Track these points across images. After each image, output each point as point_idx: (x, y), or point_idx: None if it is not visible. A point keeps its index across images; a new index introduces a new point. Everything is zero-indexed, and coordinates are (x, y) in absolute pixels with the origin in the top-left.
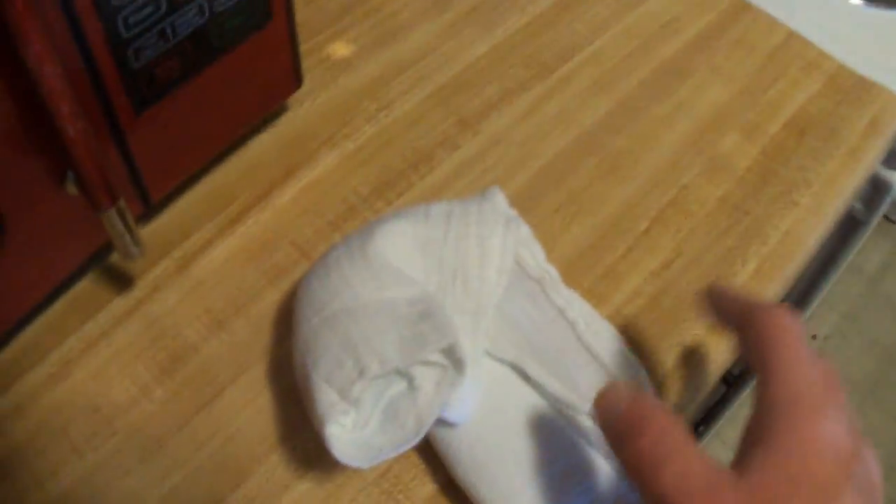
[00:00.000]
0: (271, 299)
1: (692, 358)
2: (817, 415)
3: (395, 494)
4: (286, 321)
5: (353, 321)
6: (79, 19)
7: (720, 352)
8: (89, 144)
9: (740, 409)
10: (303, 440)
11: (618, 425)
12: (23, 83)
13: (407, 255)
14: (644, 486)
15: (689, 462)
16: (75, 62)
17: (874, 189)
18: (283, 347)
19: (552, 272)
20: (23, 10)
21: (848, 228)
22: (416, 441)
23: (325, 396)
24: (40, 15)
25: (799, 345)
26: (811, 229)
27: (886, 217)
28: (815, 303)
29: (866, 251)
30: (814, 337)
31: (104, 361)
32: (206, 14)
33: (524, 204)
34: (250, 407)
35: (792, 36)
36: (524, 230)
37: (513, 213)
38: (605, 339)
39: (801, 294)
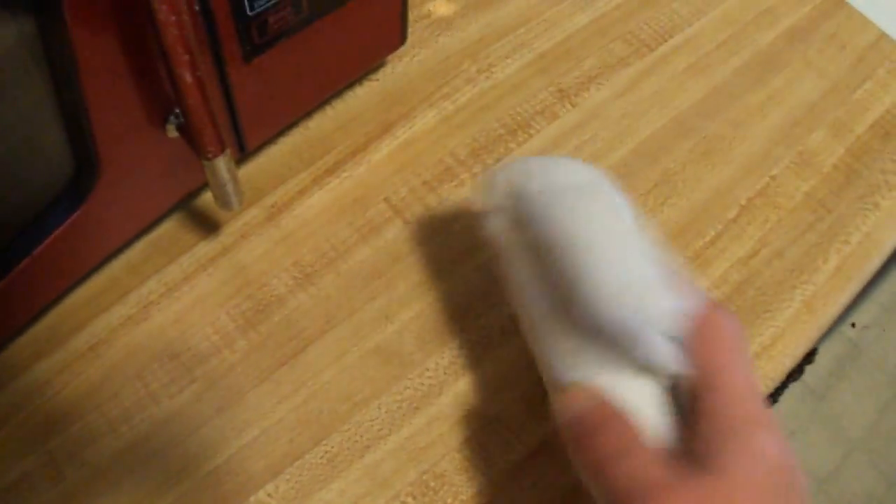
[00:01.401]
0: (362, 256)
1: (771, 349)
2: (759, 426)
3: (478, 462)
4: (376, 279)
5: None
6: None
7: (799, 345)
8: (204, 93)
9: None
10: (387, 401)
11: (579, 424)
12: (140, 25)
13: None
14: (598, 481)
15: (644, 460)
16: (192, 6)
17: None
18: (372, 305)
19: None
20: None
21: None
22: None
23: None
24: None
25: (738, 352)
26: (890, 233)
27: None
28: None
29: None
30: (853, 325)
31: (185, 307)
32: None
33: (618, 181)
34: (335, 365)
35: (883, 37)
36: None
37: None
38: None
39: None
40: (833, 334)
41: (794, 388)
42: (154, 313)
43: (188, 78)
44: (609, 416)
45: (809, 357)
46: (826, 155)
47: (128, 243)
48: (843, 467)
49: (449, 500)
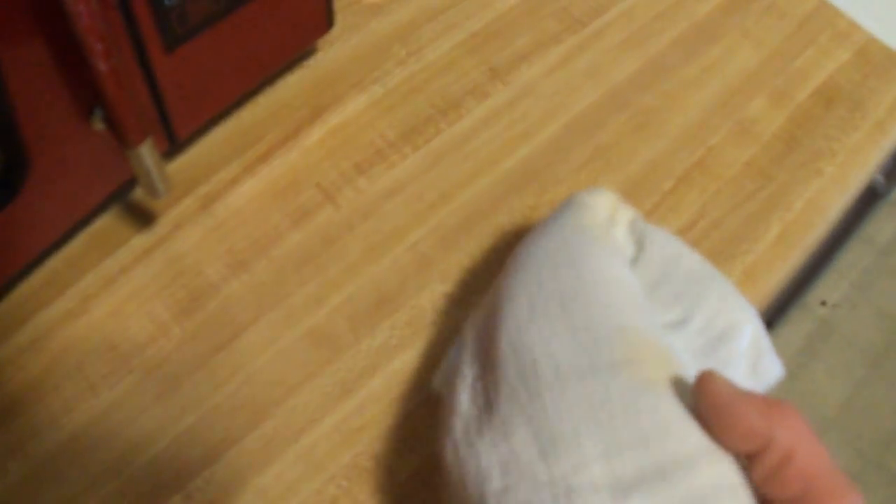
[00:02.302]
0: (294, 241)
1: None
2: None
3: (412, 442)
4: (308, 263)
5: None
6: None
7: None
8: (120, 82)
9: None
10: (321, 384)
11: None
12: (55, 18)
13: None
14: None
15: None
16: None
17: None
18: (304, 290)
19: None
20: None
21: (866, 200)
22: None
23: None
24: None
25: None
26: (834, 199)
27: None
28: (826, 270)
29: (879, 222)
30: (823, 303)
31: (123, 299)
32: None
33: (551, 158)
34: (269, 349)
35: (823, 4)
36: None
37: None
38: None
39: (814, 261)
40: (803, 313)
41: None
42: (93, 306)
43: (103, 67)
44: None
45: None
46: (766, 123)
47: (67, 237)
48: None
49: (384, 481)
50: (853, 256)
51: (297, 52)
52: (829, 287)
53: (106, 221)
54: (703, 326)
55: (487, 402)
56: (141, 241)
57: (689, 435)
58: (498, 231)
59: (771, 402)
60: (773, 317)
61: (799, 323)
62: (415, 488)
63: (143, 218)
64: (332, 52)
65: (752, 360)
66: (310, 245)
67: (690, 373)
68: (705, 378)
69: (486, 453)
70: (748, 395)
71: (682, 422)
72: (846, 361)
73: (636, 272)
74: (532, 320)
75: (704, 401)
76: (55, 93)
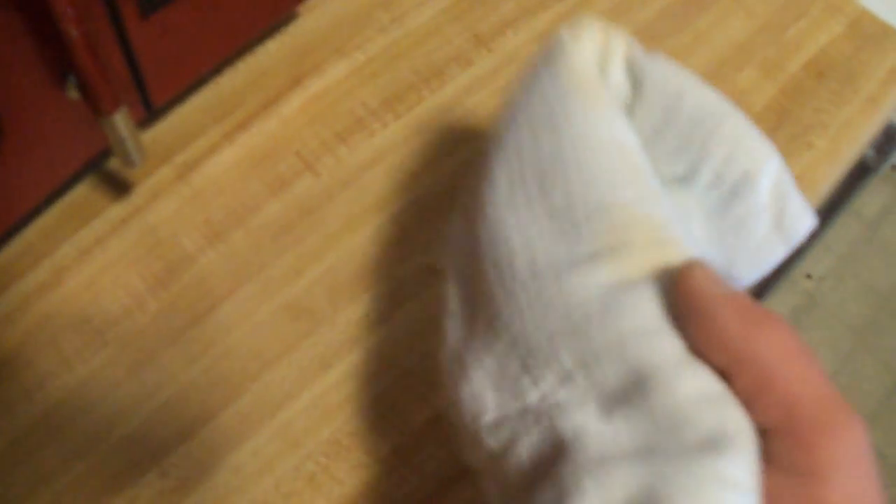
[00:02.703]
0: (272, 211)
1: None
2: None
3: (392, 418)
4: (286, 234)
5: None
6: None
7: None
8: (92, 48)
9: None
10: (298, 358)
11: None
12: None
13: None
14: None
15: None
16: None
17: (887, 138)
18: (282, 261)
19: None
20: None
21: (857, 174)
22: None
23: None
24: None
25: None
26: (826, 173)
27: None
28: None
29: (867, 196)
30: (809, 276)
31: (98, 270)
32: None
33: None
34: (246, 323)
35: None
36: None
37: None
38: None
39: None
40: (788, 286)
41: None
42: (67, 278)
43: (74, 33)
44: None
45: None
46: (757, 94)
47: (41, 208)
48: None
49: (363, 458)
50: (840, 229)
51: (277, 17)
52: (815, 260)
53: (81, 191)
54: (714, 178)
55: (473, 311)
56: (116, 211)
57: (667, 342)
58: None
59: (758, 310)
60: (758, 290)
61: (784, 296)
62: (394, 464)
63: (118, 187)
64: (312, 18)
65: (775, 212)
66: (288, 215)
67: (699, 244)
68: (684, 273)
69: (476, 376)
70: (731, 298)
71: (663, 325)
72: (831, 335)
73: (635, 119)
74: (510, 204)
75: (681, 301)
76: (26, 59)
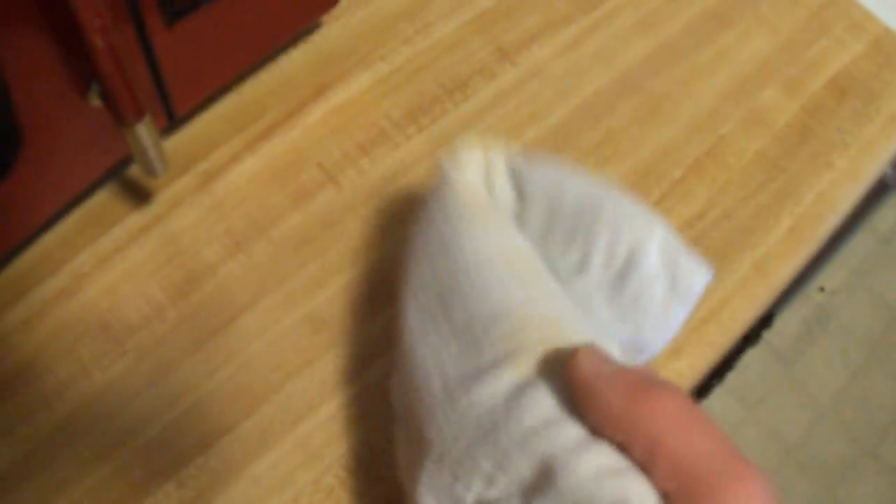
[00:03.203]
0: (294, 222)
1: (719, 314)
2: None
3: None
4: (308, 245)
5: None
6: None
7: (748, 309)
8: (117, 59)
9: (742, 356)
10: (319, 370)
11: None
12: None
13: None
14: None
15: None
16: None
17: None
18: (303, 273)
19: None
20: None
21: (875, 191)
22: None
23: None
24: None
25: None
26: (846, 193)
27: None
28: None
29: (881, 210)
30: (822, 289)
31: (117, 278)
32: None
33: (559, 141)
34: (267, 334)
35: None
36: None
37: None
38: None
39: (820, 254)
40: (801, 299)
41: (762, 354)
42: (86, 285)
43: (100, 43)
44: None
45: (767, 321)
46: (778, 113)
47: (60, 215)
48: (812, 433)
49: (383, 472)
50: (853, 243)
51: (300, 26)
52: (828, 273)
53: (101, 198)
54: (606, 260)
55: (409, 428)
56: (137, 219)
57: (567, 428)
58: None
59: (643, 383)
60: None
61: (797, 309)
62: None
63: (139, 195)
64: (336, 28)
65: (668, 278)
66: (310, 226)
67: (605, 324)
68: (571, 361)
69: (421, 489)
70: (617, 376)
71: (562, 414)
72: (843, 349)
73: (526, 223)
74: (422, 331)
75: (572, 387)
76: (50, 67)
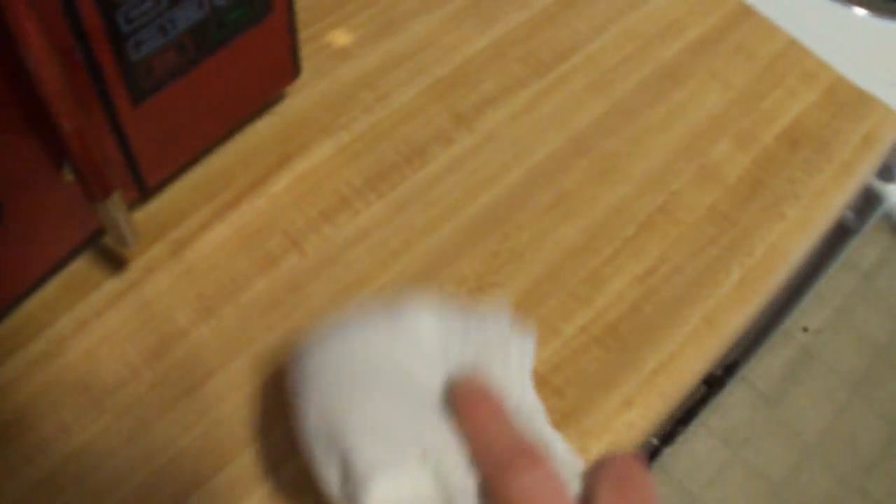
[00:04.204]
0: (260, 287)
1: (670, 366)
2: None
3: None
4: (274, 310)
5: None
6: (79, 14)
7: (699, 360)
8: (85, 140)
9: (726, 398)
10: (286, 428)
11: (500, 455)
12: (23, 78)
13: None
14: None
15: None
16: (75, 54)
17: (866, 200)
18: (270, 335)
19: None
20: (23, 10)
21: (837, 236)
22: None
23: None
24: (40, 9)
25: None
26: (797, 243)
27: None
28: (808, 295)
29: (862, 248)
30: (805, 329)
31: (96, 342)
32: (206, 8)
33: (514, 203)
34: (237, 393)
35: (793, 44)
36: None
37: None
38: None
39: (789, 298)
40: (784, 339)
41: (746, 396)
42: (67, 349)
43: (68, 127)
44: (533, 453)
45: (731, 368)
46: (731, 166)
47: (41, 281)
48: (798, 472)
49: None
50: (835, 282)
51: (264, 99)
52: (811, 313)
53: (79, 265)
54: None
55: None
56: (113, 285)
57: None
58: (459, 277)
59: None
60: (753, 343)
61: (780, 349)
62: None
63: (115, 263)
64: (299, 99)
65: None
66: (276, 291)
67: None
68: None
69: None
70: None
71: None
72: (828, 387)
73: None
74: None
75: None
76: (25, 147)
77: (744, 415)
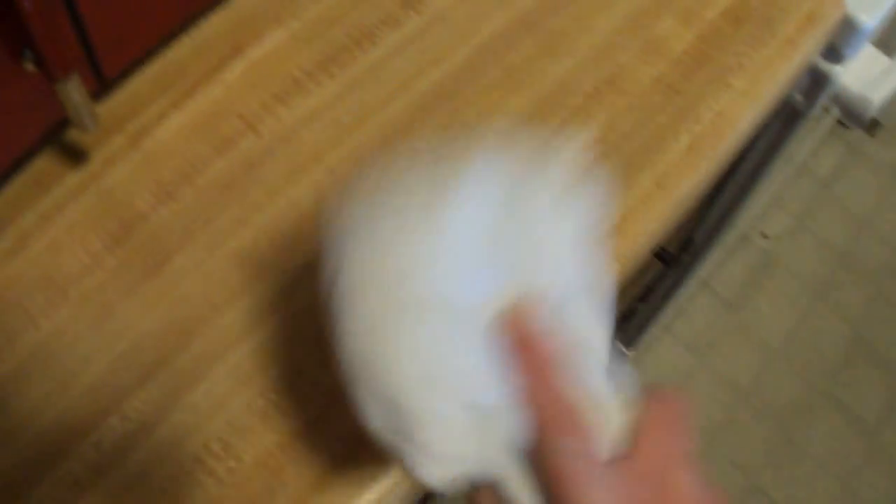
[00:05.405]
0: (218, 169)
1: (623, 227)
2: None
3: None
4: (231, 189)
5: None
6: None
7: (651, 222)
8: (44, 18)
9: (689, 304)
10: (246, 304)
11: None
12: None
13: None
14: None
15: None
16: None
17: (813, 81)
18: (227, 213)
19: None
20: None
21: (789, 120)
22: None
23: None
24: None
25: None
26: (744, 111)
27: (839, 121)
28: (766, 200)
29: (819, 155)
30: (765, 235)
31: (59, 234)
32: None
33: (463, 79)
34: (196, 272)
35: None
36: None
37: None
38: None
39: (743, 187)
40: (745, 246)
41: (709, 302)
42: (30, 243)
43: (27, 5)
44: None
45: (687, 246)
46: (675, 41)
47: (1, 180)
48: (763, 377)
49: (309, 391)
50: (793, 188)
51: None
52: (771, 220)
53: (40, 163)
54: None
55: None
56: (75, 178)
57: None
58: (412, 152)
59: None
60: (712, 248)
61: (741, 255)
62: (339, 396)
63: (75, 156)
64: None
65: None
66: (233, 171)
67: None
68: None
69: None
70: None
71: None
72: (789, 293)
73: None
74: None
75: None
76: None
77: (707, 320)
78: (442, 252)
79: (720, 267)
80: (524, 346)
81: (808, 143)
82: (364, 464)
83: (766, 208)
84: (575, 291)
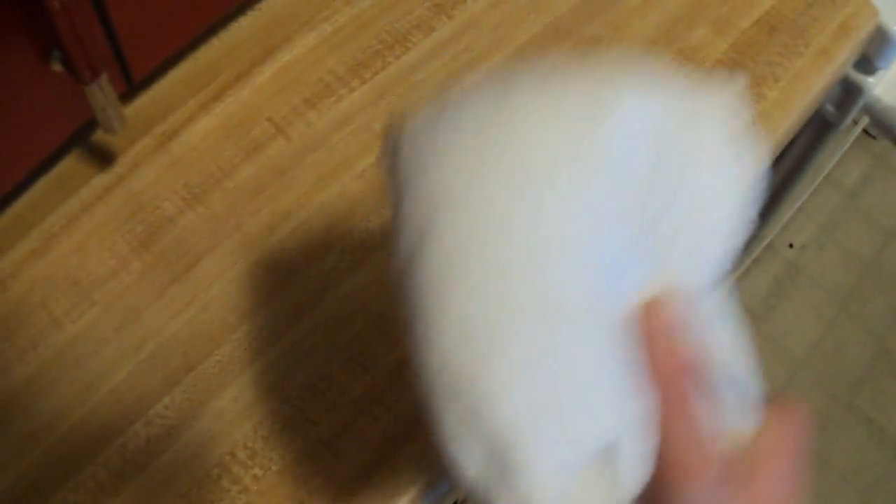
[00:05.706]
0: (247, 173)
1: None
2: None
3: (363, 360)
4: (261, 194)
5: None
6: None
7: None
8: (72, 18)
9: None
10: (274, 310)
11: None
12: None
13: None
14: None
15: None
16: None
17: (846, 92)
18: (256, 219)
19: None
20: None
21: (820, 131)
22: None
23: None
24: None
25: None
26: (778, 122)
27: (866, 131)
28: (792, 211)
29: (846, 165)
30: (791, 245)
31: (84, 236)
32: None
33: None
34: (224, 277)
35: None
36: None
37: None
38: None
39: (774, 198)
40: (771, 256)
41: (734, 309)
42: (55, 245)
43: (56, 4)
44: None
45: None
46: (709, 51)
47: (28, 181)
48: (788, 387)
49: (337, 399)
50: (820, 199)
51: None
52: (797, 229)
53: (67, 164)
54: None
55: None
56: (102, 180)
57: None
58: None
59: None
60: (738, 257)
61: (767, 265)
62: (367, 405)
63: (103, 158)
64: None
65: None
66: (262, 176)
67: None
68: (650, 307)
69: None
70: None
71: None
72: (815, 303)
73: None
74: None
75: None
76: (12, 37)
77: None
78: (586, 222)
79: (746, 277)
80: (664, 357)
81: (835, 154)
82: (391, 475)
83: (791, 218)
84: (724, 284)
